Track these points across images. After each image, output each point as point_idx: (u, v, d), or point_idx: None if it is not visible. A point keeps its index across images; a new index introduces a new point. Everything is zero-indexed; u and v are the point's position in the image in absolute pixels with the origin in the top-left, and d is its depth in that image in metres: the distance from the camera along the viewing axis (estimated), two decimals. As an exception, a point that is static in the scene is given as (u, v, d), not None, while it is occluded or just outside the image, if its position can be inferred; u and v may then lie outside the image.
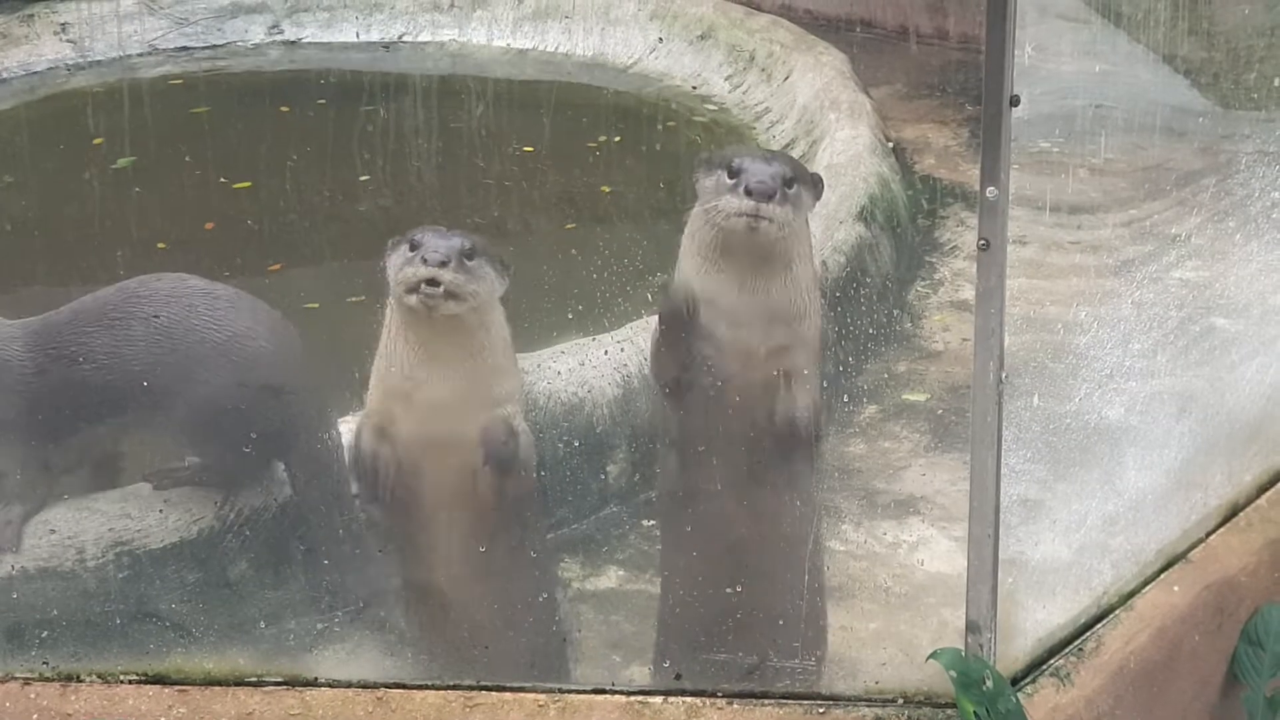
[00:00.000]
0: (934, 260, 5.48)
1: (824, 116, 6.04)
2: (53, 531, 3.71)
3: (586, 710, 3.25)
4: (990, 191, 3.04)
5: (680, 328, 3.32)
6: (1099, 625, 3.50)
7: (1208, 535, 3.80)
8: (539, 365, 4.21)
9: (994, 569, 3.21)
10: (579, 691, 3.30)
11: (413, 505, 3.40)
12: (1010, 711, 3.18)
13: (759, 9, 7.23)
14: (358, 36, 7.39)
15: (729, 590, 3.42)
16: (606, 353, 4.29)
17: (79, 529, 3.73)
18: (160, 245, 5.52)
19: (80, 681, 3.33)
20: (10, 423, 3.78)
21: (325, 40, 7.37)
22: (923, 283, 5.35)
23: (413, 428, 3.36)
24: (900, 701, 3.28)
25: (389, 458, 3.37)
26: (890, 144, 5.99)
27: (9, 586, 3.63)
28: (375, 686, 3.31)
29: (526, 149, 6.44)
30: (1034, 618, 3.39)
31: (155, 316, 3.71)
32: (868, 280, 5.05)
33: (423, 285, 3.26)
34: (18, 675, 3.35)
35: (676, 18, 7.17)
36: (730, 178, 3.29)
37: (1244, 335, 4.19)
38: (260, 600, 3.74)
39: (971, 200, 5.51)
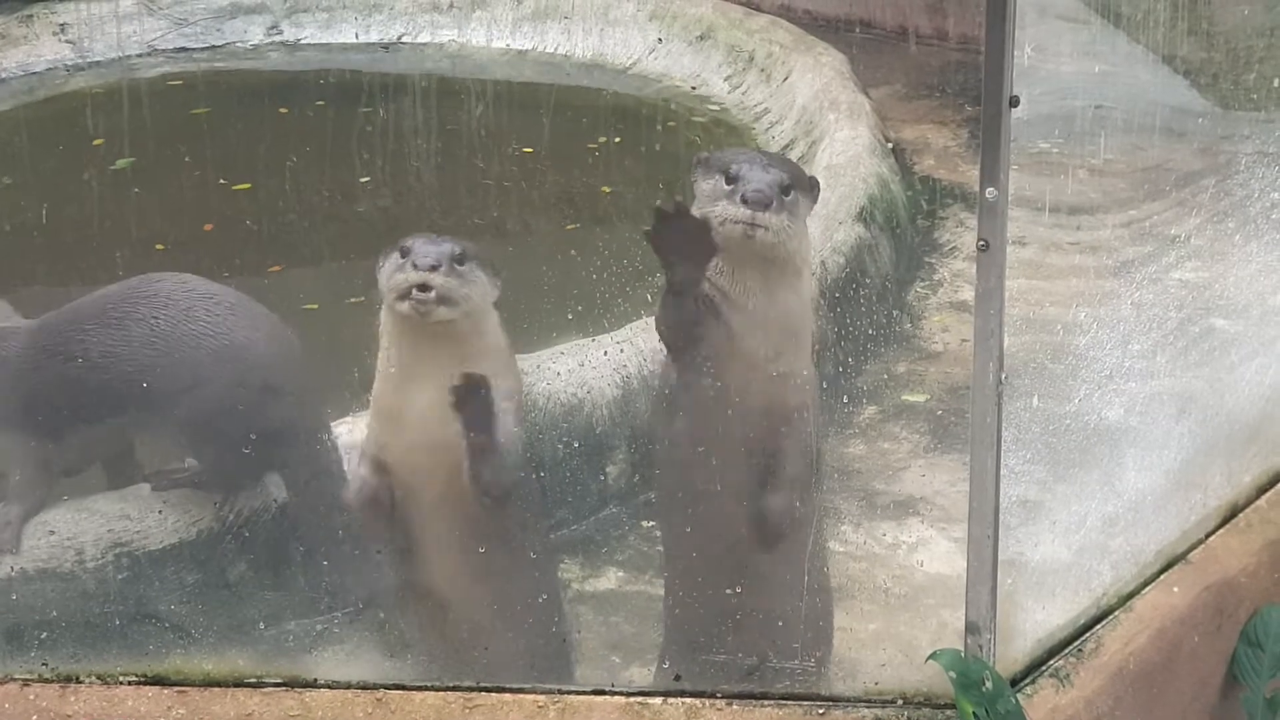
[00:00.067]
0: (933, 261, 5.48)
1: (823, 117, 6.04)
2: (52, 533, 3.71)
3: (586, 711, 3.25)
4: (990, 192, 3.04)
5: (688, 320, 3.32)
6: (1098, 626, 3.50)
7: (1207, 536, 3.80)
8: (538, 366, 4.21)
9: (993, 570, 3.21)
10: (578, 693, 3.30)
11: (410, 508, 3.40)
12: (1010, 712, 3.18)
13: (758, 9, 7.23)
14: (357, 37, 7.39)
15: (728, 591, 3.42)
16: (606, 354, 4.29)
17: (78, 530, 3.73)
18: (159, 246, 5.52)
19: (79, 683, 3.33)
20: (9, 421, 3.78)
21: (324, 41, 7.37)
22: (922, 283, 5.35)
23: (410, 435, 3.35)
24: (900, 702, 3.28)
25: (386, 492, 3.38)
26: (889, 145, 5.99)
27: (8, 588, 3.63)
28: (374, 688, 3.31)
29: (526, 150, 6.45)
30: (1033, 619, 3.39)
31: (154, 318, 3.71)
32: (867, 281, 5.05)
33: (414, 291, 3.26)
34: (17, 676, 3.34)
35: (676, 18, 7.17)
36: (728, 183, 3.29)
37: (1243, 336, 4.18)
38: (259, 601, 3.74)
39: (971, 201, 5.52)
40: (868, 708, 3.27)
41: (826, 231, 4.98)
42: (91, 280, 4.17)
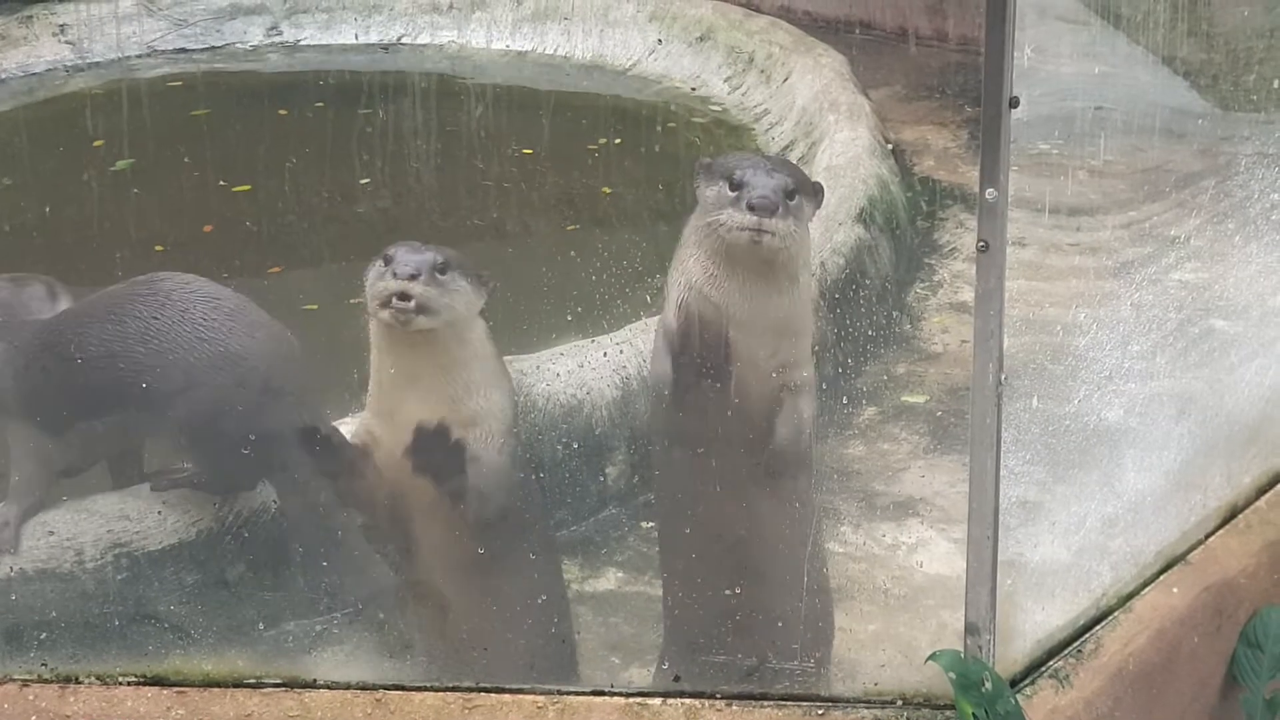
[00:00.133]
0: (933, 262, 5.48)
1: (823, 118, 6.04)
2: (51, 533, 3.71)
3: (585, 712, 3.25)
4: (989, 193, 3.04)
5: (686, 338, 3.32)
6: (1098, 627, 3.50)
7: (1207, 537, 3.80)
8: (538, 367, 4.21)
9: (993, 571, 3.21)
10: (578, 693, 3.30)
11: (406, 510, 3.40)
12: (1009, 713, 3.18)
13: (758, 10, 7.24)
14: (356, 38, 7.39)
15: (728, 592, 3.42)
16: (605, 355, 4.29)
17: (77, 531, 3.73)
18: (159, 248, 5.52)
19: (79, 683, 3.33)
20: (11, 416, 3.78)
21: (324, 42, 7.37)
22: (922, 284, 5.35)
23: (400, 437, 3.35)
24: (899, 703, 3.28)
25: (374, 482, 3.38)
26: (889, 146, 5.99)
27: (8, 588, 3.63)
28: (374, 688, 3.31)
29: (526, 151, 6.45)
30: (1033, 619, 3.39)
31: (153, 317, 3.70)
32: (867, 282, 5.04)
33: (393, 300, 3.26)
34: (16, 677, 3.34)
35: (675, 19, 7.17)
36: (732, 190, 3.28)
37: (1243, 337, 4.19)
38: (259, 602, 3.74)
39: (971, 202, 5.52)
40: (867, 708, 3.27)
41: (826, 233, 4.97)
42: (91, 281, 4.16)
